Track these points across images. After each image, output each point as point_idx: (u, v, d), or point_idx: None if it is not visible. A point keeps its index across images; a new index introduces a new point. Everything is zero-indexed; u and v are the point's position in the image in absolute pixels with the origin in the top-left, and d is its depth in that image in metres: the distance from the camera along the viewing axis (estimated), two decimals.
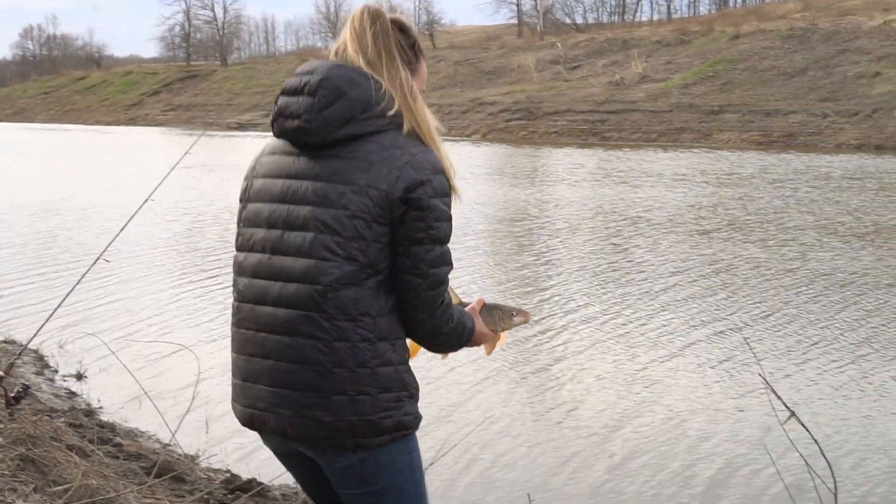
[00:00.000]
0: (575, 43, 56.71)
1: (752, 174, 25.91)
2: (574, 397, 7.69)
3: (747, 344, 9.00)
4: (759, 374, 3.02)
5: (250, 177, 2.64)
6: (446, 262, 2.50)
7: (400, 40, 2.57)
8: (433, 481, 5.61)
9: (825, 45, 44.01)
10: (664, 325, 9.93)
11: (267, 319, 2.48)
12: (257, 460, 6.12)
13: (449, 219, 2.49)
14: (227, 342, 2.59)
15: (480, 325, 2.68)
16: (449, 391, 7.67)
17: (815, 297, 11.26)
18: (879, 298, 11.15)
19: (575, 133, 43.85)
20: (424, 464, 2.70)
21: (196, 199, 21.47)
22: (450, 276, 2.55)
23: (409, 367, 2.54)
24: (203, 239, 16.24)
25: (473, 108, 48.72)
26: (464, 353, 4.61)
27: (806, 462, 2.79)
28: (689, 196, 21.23)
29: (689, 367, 8.45)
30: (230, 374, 2.64)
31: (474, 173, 27.34)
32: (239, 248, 2.62)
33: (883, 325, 9.91)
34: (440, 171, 2.47)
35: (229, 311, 2.67)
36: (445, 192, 2.48)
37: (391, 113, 2.48)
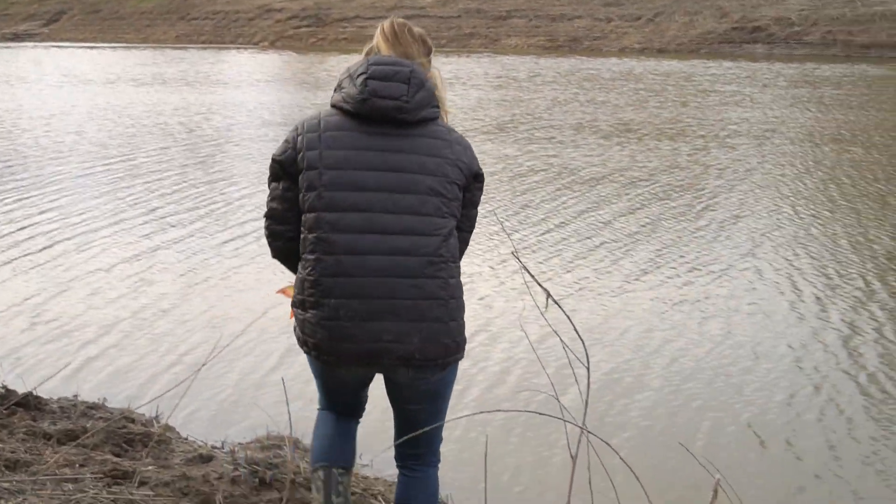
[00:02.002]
0: None
1: (526, 77, 26.62)
2: None
3: (502, 228, 9.41)
4: (513, 254, 3.17)
5: (318, 148, 2.99)
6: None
7: (423, 49, 3.18)
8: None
9: None
10: None
11: (387, 265, 2.93)
12: (33, 375, 6.03)
13: None
14: None
15: None
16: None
17: (560, 190, 11.92)
18: (624, 191, 11.95)
19: (364, 40, 43.35)
20: None
21: None
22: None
23: None
24: None
25: (261, 16, 47.59)
26: None
27: (561, 340, 2.99)
28: (457, 99, 21.66)
29: None
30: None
31: (259, 80, 26.92)
32: (327, 209, 2.96)
33: (624, 214, 10.65)
34: None
35: None
36: None
37: (437, 104, 3.09)
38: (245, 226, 10.05)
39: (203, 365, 3.83)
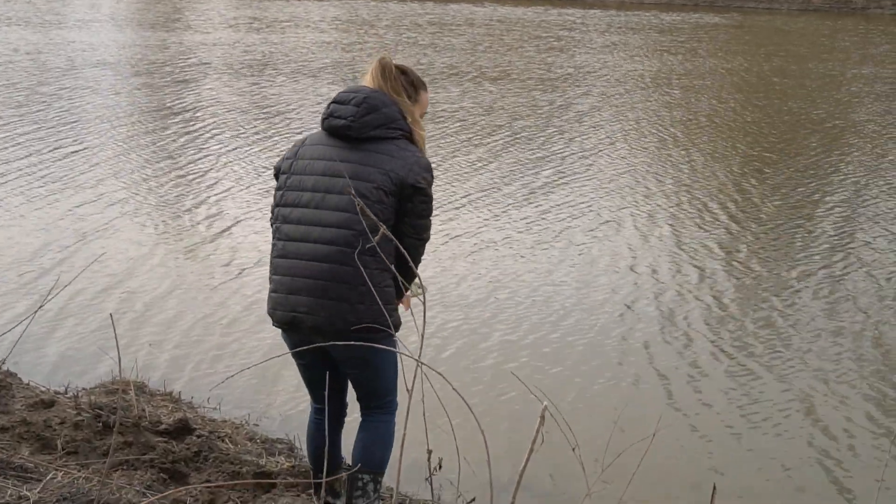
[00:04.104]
0: None
1: (370, 21, 26.63)
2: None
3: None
4: (346, 189, 3.52)
5: (293, 158, 3.64)
6: (429, 228, 3.68)
7: (403, 81, 3.66)
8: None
9: None
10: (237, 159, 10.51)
11: (311, 252, 3.49)
12: None
13: (432, 200, 3.65)
14: None
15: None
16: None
17: None
18: (439, 130, 12.28)
19: None
20: None
21: None
22: None
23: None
24: None
25: None
26: None
27: (398, 275, 3.31)
28: (291, 41, 21.59)
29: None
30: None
31: (94, 20, 26.18)
32: (284, 205, 3.59)
33: (433, 152, 10.99)
34: (431, 170, 3.62)
35: None
36: (432, 183, 3.63)
37: (404, 128, 3.59)
38: (61, 165, 9.98)
39: (39, 307, 3.90)
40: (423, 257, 3.78)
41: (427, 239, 3.72)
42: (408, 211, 3.56)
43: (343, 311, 3.47)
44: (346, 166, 3.52)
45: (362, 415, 3.81)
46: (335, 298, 3.47)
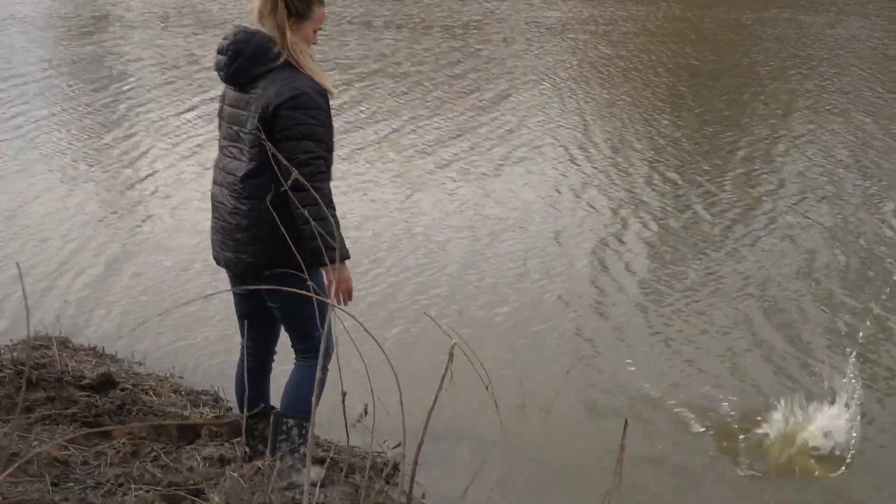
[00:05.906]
0: None
1: None
2: None
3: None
4: (258, 137, 3.55)
5: (221, 101, 3.68)
6: (306, 151, 3.45)
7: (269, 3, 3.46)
8: None
9: None
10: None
11: (218, 194, 3.64)
12: None
13: (308, 122, 3.45)
14: None
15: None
16: None
17: None
18: (342, 79, 12.29)
19: None
20: None
21: None
22: None
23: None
24: None
25: None
26: None
27: (312, 221, 3.30)
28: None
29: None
30: None
31: None
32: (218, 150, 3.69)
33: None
34: (303, 92, 3.43)
35: None
36: (305, 105, 3.44)
37: (277, 53, 3.47)
38: None
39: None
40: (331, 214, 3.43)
41: (304, 170, 3.36)
42: (277, 133, 3.43)
43: (239, 252, 3.60)
44: (234, 111, 3.58)
45: (295, 360, 3.81)
46: (235, 240, 3.60)
